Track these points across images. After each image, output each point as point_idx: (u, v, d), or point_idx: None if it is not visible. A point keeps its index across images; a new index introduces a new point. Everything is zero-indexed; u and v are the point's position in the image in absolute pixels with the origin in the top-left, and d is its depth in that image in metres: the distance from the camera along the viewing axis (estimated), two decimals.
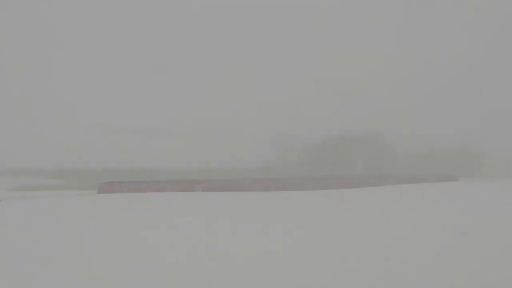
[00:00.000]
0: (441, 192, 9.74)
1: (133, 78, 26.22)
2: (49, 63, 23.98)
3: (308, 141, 25.54)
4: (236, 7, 27.72)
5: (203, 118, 25.01)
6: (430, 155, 28.13)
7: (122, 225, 6.38)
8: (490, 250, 5.46)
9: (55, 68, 24.19)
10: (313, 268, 4.83)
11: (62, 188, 20.60)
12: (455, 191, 9.96)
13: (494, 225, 6.41)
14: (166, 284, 4.28)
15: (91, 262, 4.76)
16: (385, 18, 31.01)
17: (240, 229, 6.21)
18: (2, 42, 23.29)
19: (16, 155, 21.89)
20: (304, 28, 28.43)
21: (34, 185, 21.00)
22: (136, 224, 6.52)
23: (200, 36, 28.18)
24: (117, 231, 5.93)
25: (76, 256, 4.90)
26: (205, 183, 16.69)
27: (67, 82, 24.69)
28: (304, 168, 25.05)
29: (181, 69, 27.46)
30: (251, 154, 24.49)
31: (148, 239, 5.60)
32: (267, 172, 24.05)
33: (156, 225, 6.40)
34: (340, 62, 28.56)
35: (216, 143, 24.65)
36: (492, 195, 8.80)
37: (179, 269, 4.61)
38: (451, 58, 30.90)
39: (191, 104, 25.34)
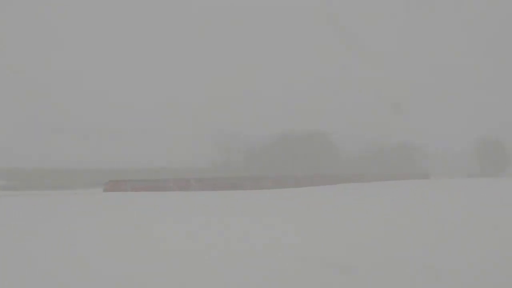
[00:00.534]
0: (424, 188, 11.70)
1: (133, 78, 26.26)
2: (49, 63, 24.02)
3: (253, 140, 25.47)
4: (236, 7, 27.75)
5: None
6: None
7: (126, 221, 6.49)
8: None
9: (55, 68, 24.22)
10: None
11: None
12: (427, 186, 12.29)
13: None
14: (167, 280, 4.35)
15: (92, 258, 4.81)
16: (385, 17, 31.04)
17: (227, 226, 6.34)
18: (2, 42, 23.32)
19: None
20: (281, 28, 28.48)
21: None
22: (137, 222, 6.64)
23: (200, 36, 28.21)
24: (121, 227, 6.03)
25: (78, 253, 4.95)
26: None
27: (67, 82, 24.72)
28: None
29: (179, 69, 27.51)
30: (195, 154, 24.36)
31: (150, 236, 5.69)
32: (210, 171, 23.76)
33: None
34: (338, 62, 28.60)
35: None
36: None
37: (179, 260, 4.67)
38: (451, 58, 30.95)
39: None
